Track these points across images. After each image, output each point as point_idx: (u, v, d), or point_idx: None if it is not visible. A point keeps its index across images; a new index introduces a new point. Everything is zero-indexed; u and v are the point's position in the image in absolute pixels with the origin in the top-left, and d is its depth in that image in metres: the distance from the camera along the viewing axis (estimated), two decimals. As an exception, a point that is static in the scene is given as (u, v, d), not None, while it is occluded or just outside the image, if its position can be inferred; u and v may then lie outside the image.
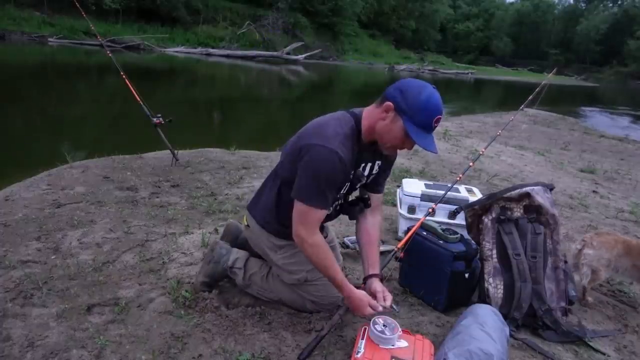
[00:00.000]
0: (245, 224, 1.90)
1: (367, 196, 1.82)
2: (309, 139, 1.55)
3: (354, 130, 1.59)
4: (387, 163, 1.81)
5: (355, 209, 1.80)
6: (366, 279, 1.76)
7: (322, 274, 1.66)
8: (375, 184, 1.84)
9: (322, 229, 1.87)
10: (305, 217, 1.56)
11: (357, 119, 1.61)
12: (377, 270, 1.76)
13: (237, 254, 1.94)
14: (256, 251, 1.92)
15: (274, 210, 1.75)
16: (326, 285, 1.79)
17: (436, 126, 1.51)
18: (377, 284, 1.71)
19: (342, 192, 1.72)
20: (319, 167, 1.51)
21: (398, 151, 1.69)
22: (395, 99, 1.51)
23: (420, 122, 1.48)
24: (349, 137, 1.56)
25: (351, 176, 1.66)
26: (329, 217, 1.76)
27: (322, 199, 1.56)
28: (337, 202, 1.78)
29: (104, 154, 4.03)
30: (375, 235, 1.83)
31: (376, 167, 1.76)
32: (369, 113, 1.61)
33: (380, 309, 1.62)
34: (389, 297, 1.67)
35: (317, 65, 26.37)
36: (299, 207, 1.57)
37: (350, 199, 1.86)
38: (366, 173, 1.72)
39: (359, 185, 1.78)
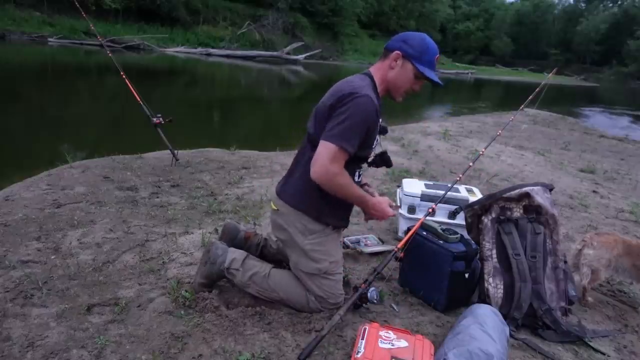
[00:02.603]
0: (275, 208, 1.87)
1: (385, 150, 1.94)
2: (341, 91, 1.66)
3: (371, 84, 1.75)
4: None
5: (389, 159, 1.94)
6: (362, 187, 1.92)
7: (350, 197, 1.76)
8: None
9: None
10: (337, 158, 1.63)
11: (371, 77, 1.77)
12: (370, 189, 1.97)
13: (234, 254, 1.93)
14: (278, 237, 1.91)
15: (312, 189, 1.73)
16: (338, 282, 1.85)
17: (435, 65, 1.77)
18: (374, 193, 1.95)
19: (375, 143, 1.82)
20: (356, 110, 1.61)
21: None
22: (401, 47, 1.73)
23: (427, 61, 1.74)
24: (372, 88, 1.73)
25: (379, 127, 1.79)
26: (373, 164, 1.91)
27: (353, 142, 1.64)
28: (373, 153, 1.87)
29: (104, 154, 4.03)
30: None
31: None
32: (378, 68, 1.79)
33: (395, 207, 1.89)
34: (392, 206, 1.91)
35: (317, 65, 26.37)
36: (331, 150, 1.61)
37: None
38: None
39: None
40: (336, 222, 1.85)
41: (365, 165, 1.90)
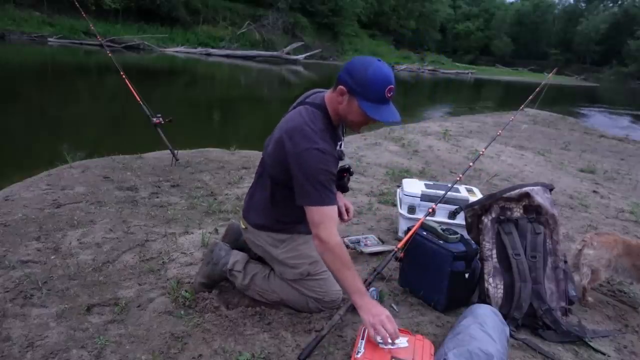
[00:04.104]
0: (244, 226, 1.92)
1: (347, 165, 1.83)
2: (294, 145, 1.57)
3: (323, 119, 1.65)
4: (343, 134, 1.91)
5: (344, 181, 1.84)
6: None
7: (343, 278, 1.62)
8: None
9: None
10: (321, 218, 1.59)
11: (323, 109, 1.67)
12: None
13: (237, 257, 1.93)
14: (257, 252, 1.92)
15: (270, 209, 1.79)
16: (328, 280, 1.83)
17: (390, 96, 1.57)
18: (339, 197, 1.91)
19: None
20: (316, 169, 1.56)
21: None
22: (346, 82, 1.57)
23: (374, 97, 1.55)
24: (325, 130, 1.63)
25: (336, 155, 1.72)
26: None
27: (329, 195, 1.60)
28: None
29: (104, 154, 4.03)
30: None
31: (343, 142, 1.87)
32: (330, 99, 1.67)
33: (348, 219, 1.90)
34: (351, 208, 1.92)
35: (317, 65, 26.35)
36: (312, 212, 1.59)
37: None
38: (343, 149, 1.82)
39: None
40: (299, 230, 1.83)
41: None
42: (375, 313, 1.55)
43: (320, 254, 1.65)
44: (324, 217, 1.59)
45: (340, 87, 1.58)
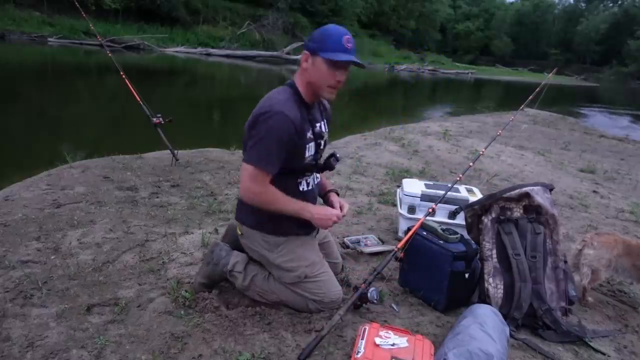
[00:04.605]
0: (240, 233, 1.91)
1: (333, 152, 1.91)
2: (257, 110, 1.67)
3: (292, 94, 1.73)
4: (328, 118, 1.98)
5: (331, 161, 1.89)
6: (325, 195, 1.98)
7: (285, 211, 1.74)
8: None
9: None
10: (257, 178, 1.66)
11: (293, 85, 1.75)
12: (331, 187, 2.01)
13: (237, 257, 1.93)
14: (254, 257, 1.92)
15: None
16: (327, 282, 1.84)
17: (350, 46, 1.65)
18: (333, 197, 1.95)
19: (310, 152, 1.78)
20: (268, 130, 1.62)
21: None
22: (307, 46, 1.69)
23: (332, 46, 1.63)
24: (290, 99, 1.70)
25: (312, 135, 1.77)
26: (313, 169, 1.86)
27: (272, 161, 1.66)
28: (313, 160, 1.84)
29: (104, 154, 4.03)
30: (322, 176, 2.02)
31: (327, 126, 1.92)
32: (297, 74, 1.76)
33: (341, 215, 1.82)
34: (345, 206, 1.90)
35: (317, 65, 26.31)
36: (248, 169, 1.67)
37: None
38: (325, 130, 1.89)
39: (322, 144, 1.87)
40: (295, 230, 1.84)
41: (317, 174, 1.91)
42: (322, 212, 1.76)
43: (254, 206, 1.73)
44: (257, 178, 1.65)
45: (304, 53, 1.70)
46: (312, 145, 1.78)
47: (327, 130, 1.92)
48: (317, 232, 2.00)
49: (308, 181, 1.87)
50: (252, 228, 1.84)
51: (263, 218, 1.79)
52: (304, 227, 1.84)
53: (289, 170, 1.74)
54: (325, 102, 1.97)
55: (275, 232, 1.82)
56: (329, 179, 3.90)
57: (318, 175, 1.94)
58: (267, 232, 1.82)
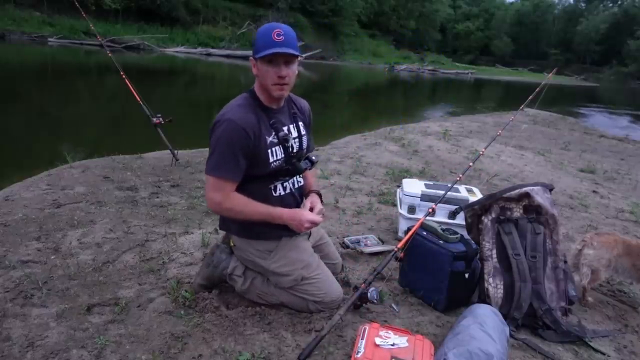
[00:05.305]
0: (232, 244, 1.90)
1: (312, 156, 1.89)
2: (214, 120, 1.69)
3: (248, 99, 1.73)
4: (304, 120, 1.92)
5: (299, 165, 1.83)
6: (307, 195, 1.91)
7: (255, 218, 1.72)
8: (311, 143, 1.96)
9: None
10: (217, 187, 1.67)
11: (252, 92, 1.76)
12: (314, 188, 1.96)
13: (237, 261, 1.92)
14: (250, 267, 1.89)
15: None
16: (325, 281, 1.84)
17: (281, 39, 1.61)
18: (308, 198, 1.88)
19: (276, 157, 1.74)
20: (219, 139, 1.64)
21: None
22: (252, 54, 1.69)
23: (263, 45, 1.62)
24: (244, 105, 1.70)
25: (276, 139, 1.74)
26: (285, 173, 1.81)
27: (229, 168, 1.66)
28: (282, 165, 1.78)
29: (104, 154, 4.03)
30: (310, 176, 1.98)
31: (302, 128, 1.87)
32: (255, 82, 1.76)
33: (319, 219, 1.77)
34: (317, 207, 1.84)
35: (317, 65, 26.35)
36: (210, 181, 1.68)
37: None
38: (295, 135, 1.82)
39: (295, 148, 1.82)
40: (281, 232, 1.81)
41: (299, 177, 1.89)
42: (297, 217, 1.72)
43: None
44: (220, 187, 1.66)
45: (250, 59, 1.71)
46: (277, 149, 1.74)
47: (304, 133, 1.87)
48: (310, 234, 1.98)
49: (285, 185, 1.83)
50: (240, 236, 1.83)
51: (248, 225, 1.77)
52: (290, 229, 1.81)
53: (256, 176, 1.72)
54: (302, 105, 1.94)
55: (263, 237, 1.80)
56: (329, 179, 3.90)
57: (300, 178, 1.90)
58: (255, 238, 1.81)
